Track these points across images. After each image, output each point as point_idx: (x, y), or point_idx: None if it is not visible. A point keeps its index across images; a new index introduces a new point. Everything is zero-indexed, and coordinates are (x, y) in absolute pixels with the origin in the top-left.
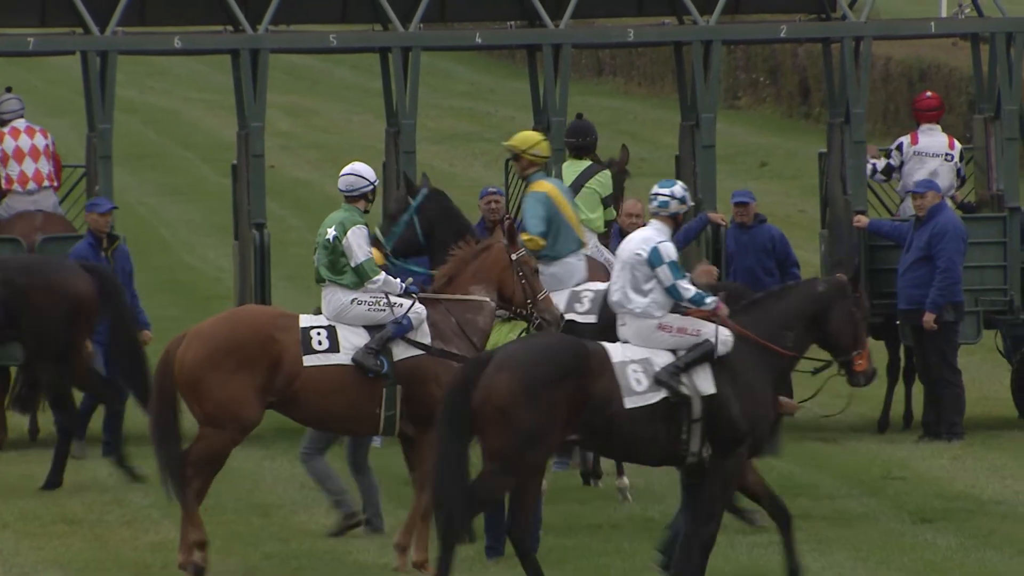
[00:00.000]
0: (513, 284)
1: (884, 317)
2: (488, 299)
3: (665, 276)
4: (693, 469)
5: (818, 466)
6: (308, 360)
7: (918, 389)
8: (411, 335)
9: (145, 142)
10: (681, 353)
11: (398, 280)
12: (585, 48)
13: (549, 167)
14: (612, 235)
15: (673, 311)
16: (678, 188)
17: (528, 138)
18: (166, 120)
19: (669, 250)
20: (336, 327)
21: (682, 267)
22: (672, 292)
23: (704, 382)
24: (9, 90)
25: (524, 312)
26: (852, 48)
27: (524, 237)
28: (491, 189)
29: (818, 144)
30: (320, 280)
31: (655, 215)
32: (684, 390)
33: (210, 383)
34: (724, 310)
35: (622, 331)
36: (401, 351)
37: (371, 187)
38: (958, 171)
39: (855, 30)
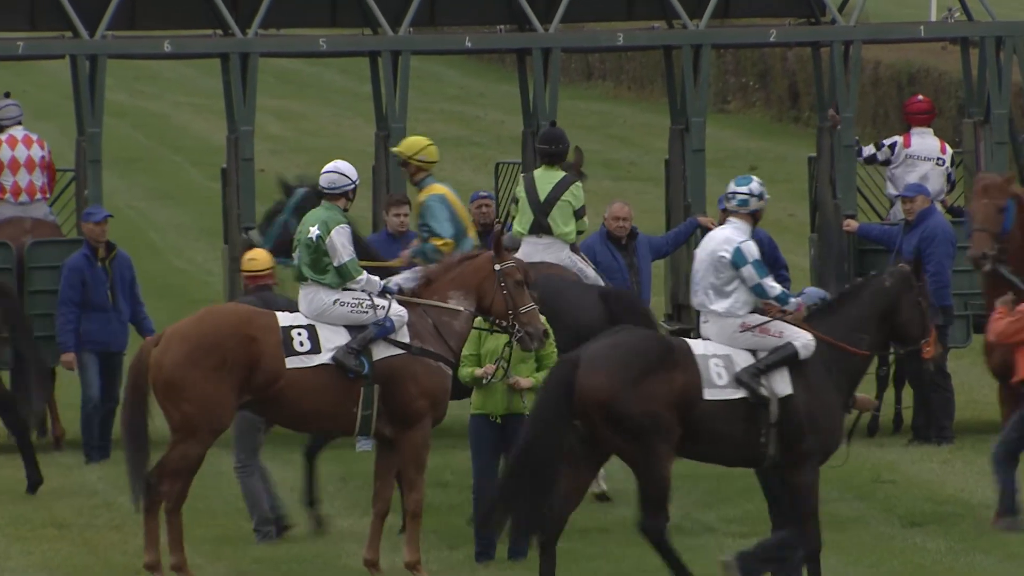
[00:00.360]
0: (493, 294)
1: None
2: (463, 308)
3: (750, 275)
4: (772, 471)
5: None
6: (291, 362)
7: (908, 393)
8: (391, 336)
9: (134, 146)
10: (762, 354)
11: (378, 279)
12: (574, 52)
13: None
14: (598, 239)
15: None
16: (755, 185)
17: (415, 144)
18: (155, 124)
19: (752, 249)
20: (316, 326)
21: (765, 266)
22: (757, 291)
23: (781, 384)
24: (7, 95)
25: (505, 324)
26: (842, 52)
27: (438, 242)
28: (482, 193)
29: (807, 148)
30: (301, 279)
31: (734, 213)
32: (763, 392)
33: (189, 383)
34: (802, 312)
35: (704, 329)
36: (381, 351)
37: (352, 185)
38: (948, 175)
39: (844, 34)
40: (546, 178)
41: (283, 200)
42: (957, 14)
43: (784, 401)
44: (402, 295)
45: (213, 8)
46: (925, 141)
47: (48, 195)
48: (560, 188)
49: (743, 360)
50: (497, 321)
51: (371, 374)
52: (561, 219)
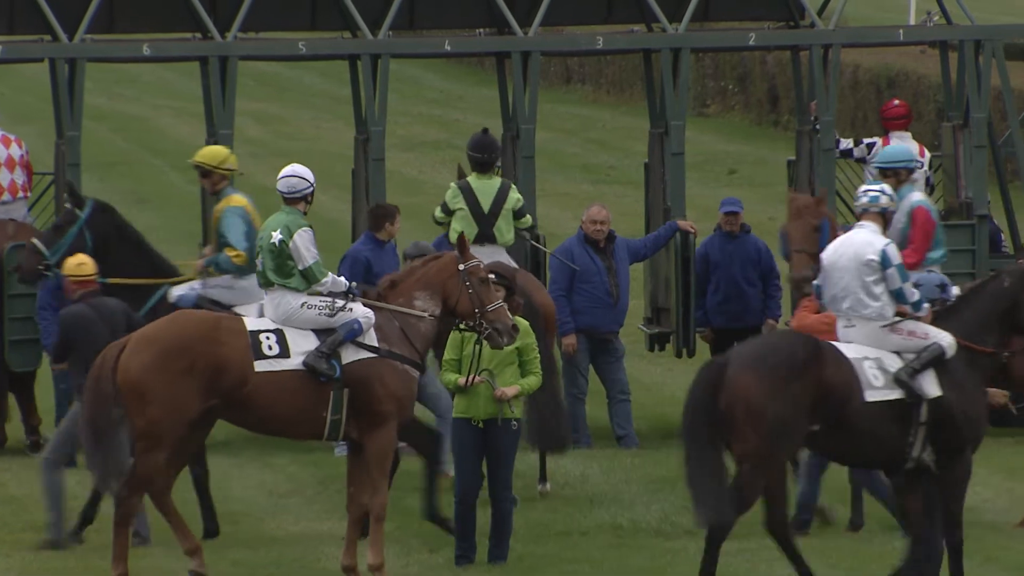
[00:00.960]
0: (459, 293)
1: None
2: (426, 313)
3: (893, 278)
4: (909, 474)
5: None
6: (260, 366)
7: None
8: (360, 339)
9: (114, 150)
10: (910, 356)
11: (343, 279)
12: (554, 55)
13: (509, 174)
14: (576, 241)
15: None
16: (887, 187)
17: (217, 153)
18: (135, 127)
19: (896, 253)
20: (284, 330)
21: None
22: (898, 295)
23: (930, 385)
24: None
25: (473, 323)
26: (821, 56)
27: (231, 253)
28: None
29: (787, 152)
30: (267, 284)
31: (864, 212)
32: (919, 392)
33: (155, 387)
34: (930, 316)
35: (848, 333)
36: (350, 354)
37: (310, 189)
38: (927, 179)
39: (824, 38)
40: (485, 189)
41: (73, 211)
42: (936, 18)
43: (934, 401)
44: (366, 297)
45: (192, 11)
46: (904, 144)
47: (28, 194)
48: (501, 197)
49: (892, 362)
50: (465, 321)
51: (341, 378)
52: (505, 227)
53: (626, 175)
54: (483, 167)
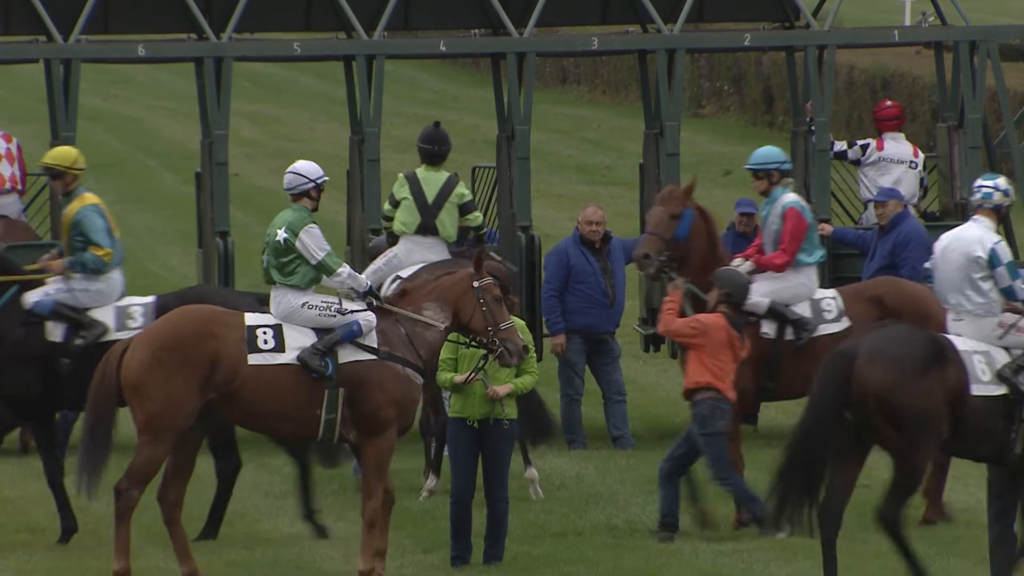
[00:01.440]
0: (472, 310)
1: None
2: (438, 323)
3: (1002, 276)
4: (1010, 469)
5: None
6: (253, 359)
7: None
8: (359, 339)
9: (109, 150)
10: (1016, 352)
11: (363, 277)
12: (549, 56)
13: (504, 175)
14: (571, 242)
15: None
16: (1002, 181)
17: (68, 154)
18: (130, 128)
19: (1006, 251)
20: (283, 326)
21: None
22: (1007, 292)
23: None
24: None
25: (485, 340)
26: (816, 56)
27: (99, 252)
28: None
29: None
30: (270, 281)
31: (978, 208)
32: (1022, 388)
33: (152, 383)
34: None
35: (956, 326)
36: (347, 354)
37: (312, 184)
38: (921, 180)
39: (819, 38)
40: (431, 180)
41: None
42: (931, 19)
43: None
44: (379, 304)
45: (187, 12)
46: (898, 145)
47: (18, 186)
48: (447, 190)
49: (1000, 357)
50: (477, 337)
51: (335, 376)
52: (448, 220)
53: (621, 176)
54: (432, 159)
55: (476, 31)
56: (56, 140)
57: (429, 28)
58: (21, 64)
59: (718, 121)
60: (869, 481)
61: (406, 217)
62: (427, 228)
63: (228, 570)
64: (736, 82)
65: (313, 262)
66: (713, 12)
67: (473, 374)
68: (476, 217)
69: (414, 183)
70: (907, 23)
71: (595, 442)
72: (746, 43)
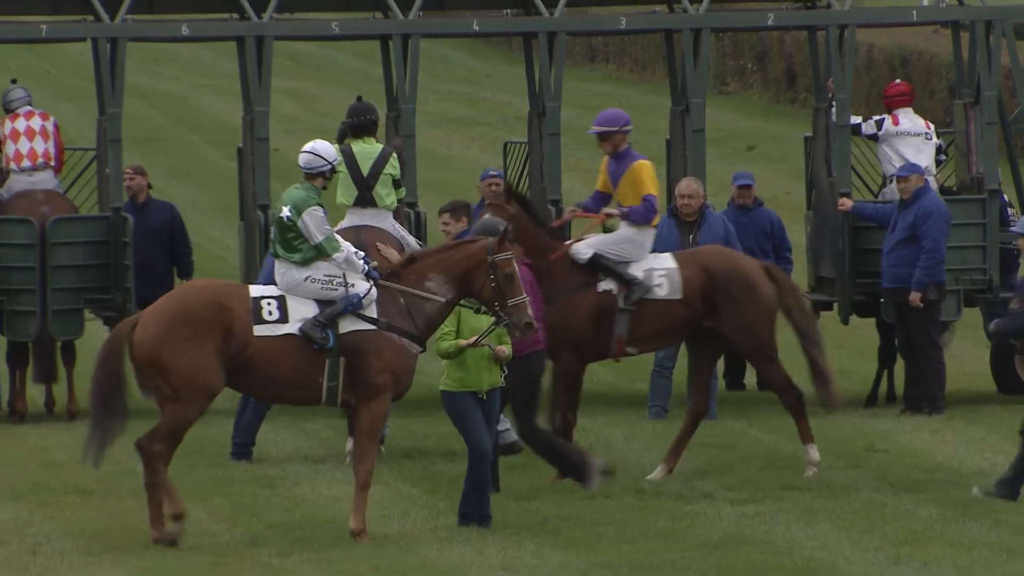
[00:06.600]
0: (483, 282)
1: (868, 295)
2: (438, 296)
3: None
4: None
5: None
6: (259, 330)
7: (899, 365)
8: (360, 311)
9: (153, 126)
10: None
11: (359, 259)
12: (579, 35)
13: (536, 150)
14: (667, 215)
15: None
16: None
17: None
18: (174, 105)
19: None
20: (287, 297)
21: None
22: None
23: None
24: (14, 82)
25: (495, 311)
26: (837, 36)
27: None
28: (492, 172)
29: (803, 128)
30: (275, 254)
31: None
32: None
33: (170, 356)
34: None
35: None
36: (348, 324)
37: (328, 167)
38: (939, 147)
39: (840, 18)
40: (364, 153)
41: None
42: None
43: None
44: (382, 278)
45: None
46: (912, 119)
47: (55, 163)
48: (380, 162)
49: None
50: (488, 305)
51: (336, 347)
52: (384, 191)
53: (648, 151)
54: (356, 131)
55: (508, 11)
56: (102, 116)
57: (463, 8)
58: (70, 43)
59: (742, 98)
60: (887, 445)
61: (344, 191)
62: (366, 201)
63: (269, 532)
64: (759, 60)
65: (313, 243)
66: None
67: (481, 338)
68: (401, 192)
69: (348, 157)
70: (925, 3)
71: (621, 409)
72: (769, 22)
